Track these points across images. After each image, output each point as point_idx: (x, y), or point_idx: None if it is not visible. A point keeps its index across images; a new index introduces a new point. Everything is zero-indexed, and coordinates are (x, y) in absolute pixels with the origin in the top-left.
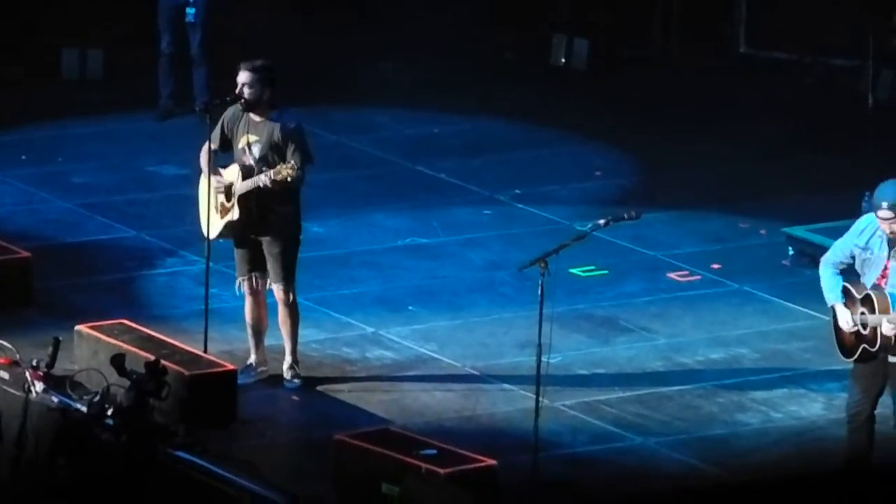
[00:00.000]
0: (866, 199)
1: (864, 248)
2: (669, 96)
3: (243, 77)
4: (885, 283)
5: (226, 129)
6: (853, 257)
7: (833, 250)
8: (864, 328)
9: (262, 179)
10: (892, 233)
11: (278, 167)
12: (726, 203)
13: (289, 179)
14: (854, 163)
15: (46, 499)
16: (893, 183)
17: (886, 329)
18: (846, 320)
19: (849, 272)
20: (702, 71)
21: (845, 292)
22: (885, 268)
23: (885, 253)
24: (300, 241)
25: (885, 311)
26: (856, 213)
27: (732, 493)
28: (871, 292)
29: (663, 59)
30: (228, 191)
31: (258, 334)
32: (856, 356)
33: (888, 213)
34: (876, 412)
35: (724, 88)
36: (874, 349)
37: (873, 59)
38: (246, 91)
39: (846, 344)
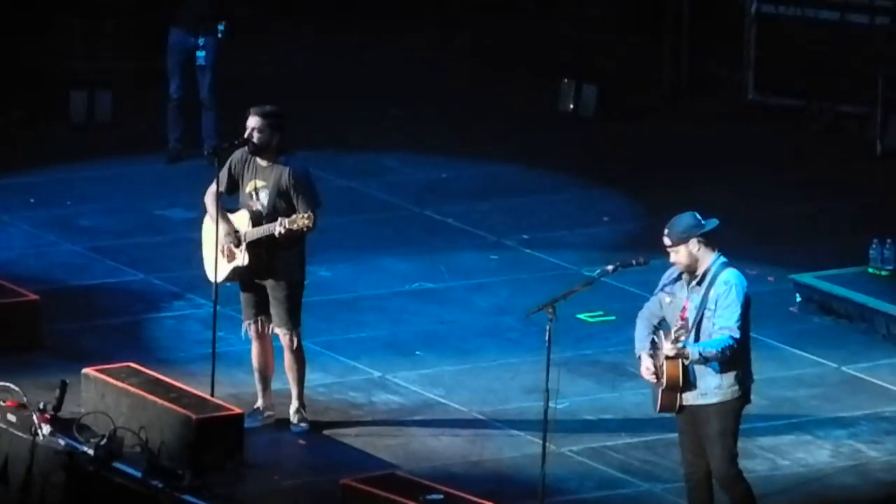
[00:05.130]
0: (874, 246)
1: (670, 293)
2: (677, 143)
3: (253, 122)
4: None
5: (233, 172)
6: (661, 306)
7: (647, 303)
8: (659, 376)
9: (277, 228)
10: (676, 264)
11: (293, 217)
12: (734, 249)
13: (305, 230)
14: (862, 209)
15: None
16: (679, 215)
17: (666, 355)
18: (645, 367)
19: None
20: (710, 117)
21: (654, 344)
22: (683, 308)
23: (685, 294)
24: (304, 286)
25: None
26: (863, 260)
27: None
28: (661, 333)
29: (671, 105)
30: (238, 238)
31: (265, 379)
32: (659, 408)
33: (667, 241)
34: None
35: (731, 135)
36: (663, 389)
37: (882, 106)
38: (255, 136)
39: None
